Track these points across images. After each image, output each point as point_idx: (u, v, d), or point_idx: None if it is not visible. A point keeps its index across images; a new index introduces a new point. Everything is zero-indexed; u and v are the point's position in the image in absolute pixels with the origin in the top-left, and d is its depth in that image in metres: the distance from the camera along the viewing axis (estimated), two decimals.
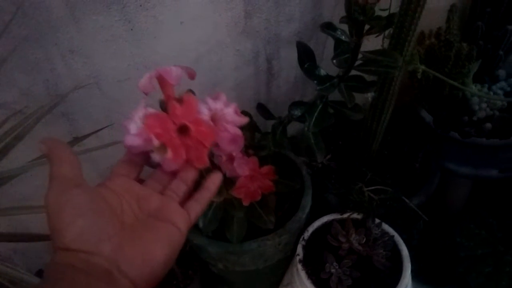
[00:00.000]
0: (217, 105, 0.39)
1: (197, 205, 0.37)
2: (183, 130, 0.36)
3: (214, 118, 0.39)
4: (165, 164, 0.36)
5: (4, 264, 0.50)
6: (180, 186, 0.37)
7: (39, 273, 0.81)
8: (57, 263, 0.29)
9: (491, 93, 0.96)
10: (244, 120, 0.41)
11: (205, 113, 0.37)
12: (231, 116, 0.40)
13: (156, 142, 0.35)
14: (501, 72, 1.01)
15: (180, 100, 0.37)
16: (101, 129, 0.69)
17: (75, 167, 0.33)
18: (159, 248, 0.32)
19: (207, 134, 0.37)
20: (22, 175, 0.64)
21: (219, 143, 0.38)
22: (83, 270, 0.29)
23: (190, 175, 0.38)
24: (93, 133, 0.67)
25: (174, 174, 0.38)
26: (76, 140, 0.64)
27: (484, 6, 0.98)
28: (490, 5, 0.98)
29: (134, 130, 0.36)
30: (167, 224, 0.34)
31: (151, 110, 0.37)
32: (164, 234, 0.33)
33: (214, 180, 0.39)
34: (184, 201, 0.37)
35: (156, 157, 0.37)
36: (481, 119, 0.92)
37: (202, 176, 0.41)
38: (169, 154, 0.36)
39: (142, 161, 0.38)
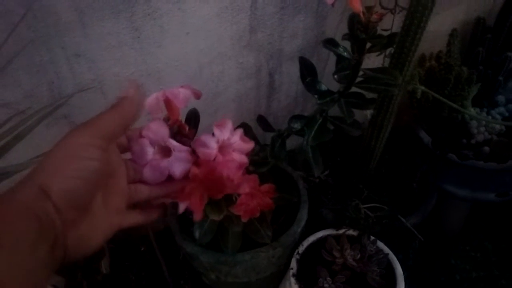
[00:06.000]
0: (224, 135, 0.40)
1: (138, 218, 0.39)
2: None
3: (221, 147, 0.40)
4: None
5: None
6: (143, 194, 0.38)
7: None
8: (18, 193, 0.28)
9: (490, 117, 0.97)
10: (250, 145, 0.42)
11: (213, 148, 0.39)
12: (237, 144, 0.41)
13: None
14: (500, 98, 1.02)
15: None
16: None
17: (120, 131, 0.33)
18: (97, 240, 0.33)
19: (225, 182, 0.39)
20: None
21: (226, 172, 0.39)
22: (36, 218, 0.28)
23: (158, 191, 0.39)
24: None
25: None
26: None
27: (485, 32, 1.00)
28: (491, 31, 1.00)
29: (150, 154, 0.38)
30: (110, 219, 0.35)
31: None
32: (109, 229, 0.34)
33: (156, 211, 0.41)
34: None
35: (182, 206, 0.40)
36: (480, 142, 0.93)
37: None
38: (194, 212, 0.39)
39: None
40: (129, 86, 0.34)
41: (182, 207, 0.40)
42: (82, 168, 0.30)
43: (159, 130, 0.37)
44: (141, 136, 0.38)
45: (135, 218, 0.38)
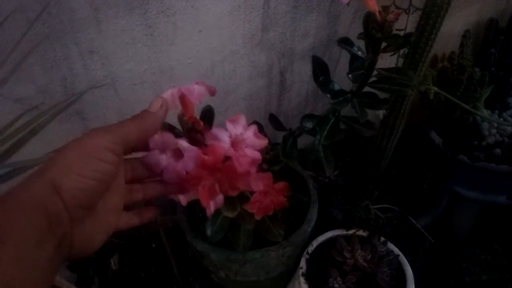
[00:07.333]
0: (237, 130, 0.40)
1: (133, 219, 0.38)
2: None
3: (234, 142, 0.40)
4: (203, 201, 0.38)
5: None
6: (139, 194, 0.38)
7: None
8: (30, 187, 0.28)
9: (502, 119, 0.97)
10: (264, 142, 0.42)
11: (226, 142, 0.38)
12: (251, 139, 0.41)
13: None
14: None
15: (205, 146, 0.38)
16: None
17: (137, 142, 0.34)
18: (100, 239, 0.34)
19: (236, 171, 0.38)
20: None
21: (239, 167, 0.39)
22: (45, 214, 0.28)
23: (152, 192, 0.39)
24: None
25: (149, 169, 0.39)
26: None
27: (498, 33, 0.99)
28: (503, 33, 0.99)
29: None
30: (108, 219, 0.35)
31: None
32: (108, 229, 0.35)
33: (150, 212, 0.40)
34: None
35: (183, 198, 0.39)
36: (491, 144, 0.92)
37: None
38: (202, 199, 0.38)
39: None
40: (155, 101, 0.34)
41: (184, 199, 0.40)
42: (98, 170, 0.31)
43: (163, 139, 0.37)
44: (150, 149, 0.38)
45: (130, 220, 0.38)
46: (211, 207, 0.39)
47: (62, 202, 0.29)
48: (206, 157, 0.37)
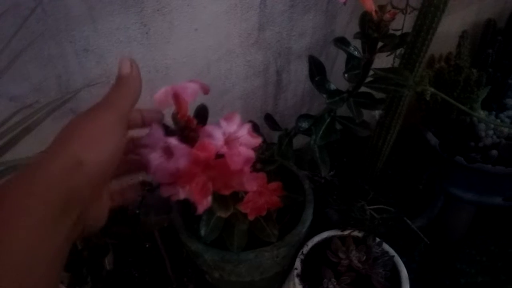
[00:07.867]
0: (231, 128, 0.39)
1: (117, 199, 0.38)
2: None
3: (227, 141, 0.39)
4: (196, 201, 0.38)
5: None
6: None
7: None
8: (51, 165, 0.28)
9: (499, 120, 0.96)
10: (258, 141, 0.41)
11: (219, 139, 0.38)
12: (245, 138, 0.40)
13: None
14: (509, 101, 1.01)
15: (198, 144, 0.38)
16: None
17: (131, 109, 0.34)
18: (104, 216, 0.34)
19: (229, 169, 0.38)
20: None
21: (232, 165, 0.38)
22: (66, 189, 0.28)
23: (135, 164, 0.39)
24: None
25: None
26: None
27: (495, 34, 0.99)
28: (501, 33, 0.99)
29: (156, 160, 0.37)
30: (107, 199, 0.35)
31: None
32: (107, 209, 0.35)
33: (132, 191, 0.40)
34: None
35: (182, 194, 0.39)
36: (488, 146, 0.92)
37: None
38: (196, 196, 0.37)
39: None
40: (123, 64, 0.34)
41: (182, 194, 0.39)
42: (116, 143, 0.32)
43: (153, 134, 0.37)
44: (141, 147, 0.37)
45: (114, 200, 0.38)
46: (203, 205, 0.39)
47: (85, 176, 0.29)
48: (199, 153, 0.36)
